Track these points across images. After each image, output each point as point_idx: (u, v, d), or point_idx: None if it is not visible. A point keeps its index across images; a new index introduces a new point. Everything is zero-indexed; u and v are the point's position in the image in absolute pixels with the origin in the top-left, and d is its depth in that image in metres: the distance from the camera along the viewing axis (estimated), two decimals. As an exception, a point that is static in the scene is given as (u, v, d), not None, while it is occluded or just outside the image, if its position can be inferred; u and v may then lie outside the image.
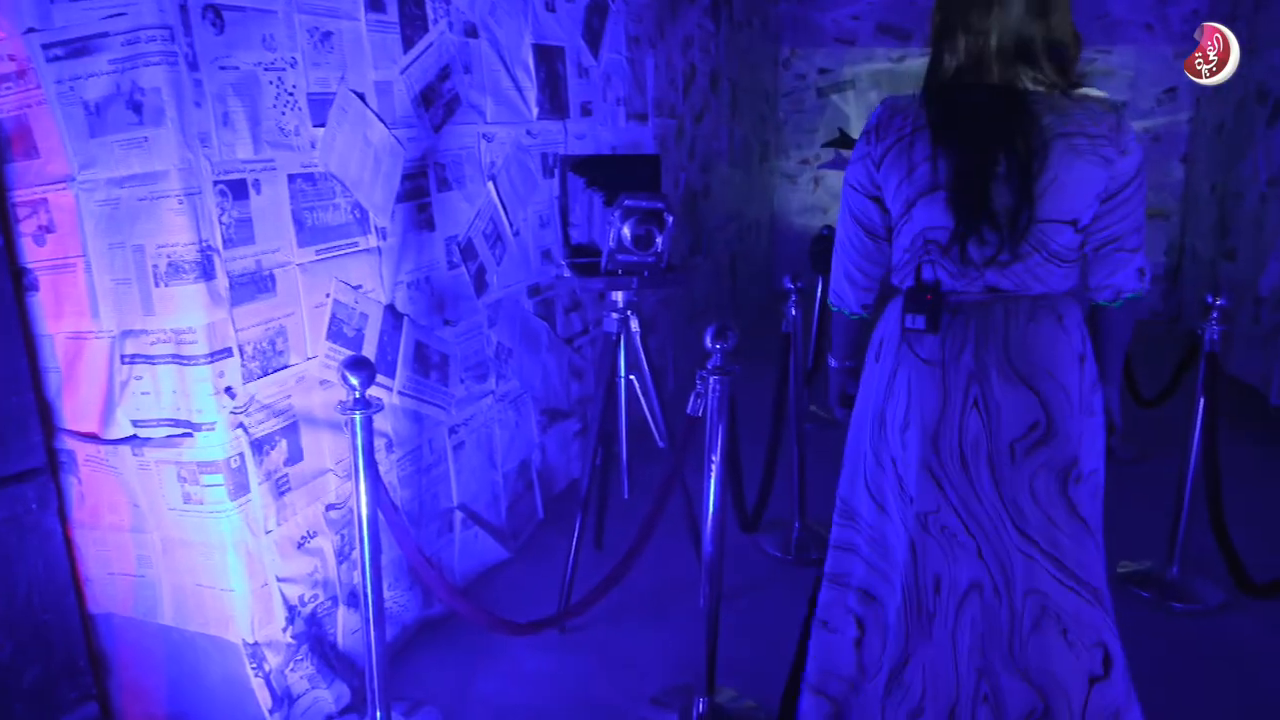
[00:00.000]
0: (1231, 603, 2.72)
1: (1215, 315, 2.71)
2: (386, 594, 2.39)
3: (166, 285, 1.82)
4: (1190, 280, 6.06)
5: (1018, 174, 1.53)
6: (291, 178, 2.06)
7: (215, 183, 1.85)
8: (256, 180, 1.96)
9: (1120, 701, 1.66)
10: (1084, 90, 1.58)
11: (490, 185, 2.86)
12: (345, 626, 2.28)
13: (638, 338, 2.52)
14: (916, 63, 6.74)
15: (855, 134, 7.05)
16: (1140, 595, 2.79)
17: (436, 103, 2.57)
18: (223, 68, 1.86)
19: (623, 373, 2.57)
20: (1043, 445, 1.61)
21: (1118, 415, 1.78)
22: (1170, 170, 6.45)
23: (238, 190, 1.91)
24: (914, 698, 1.72)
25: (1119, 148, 1.56)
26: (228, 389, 1.90)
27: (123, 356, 1.90)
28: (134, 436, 1.94)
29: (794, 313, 2.97)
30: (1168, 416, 3.41)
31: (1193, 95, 6.27)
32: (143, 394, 1.91)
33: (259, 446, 2.00)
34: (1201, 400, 2.69)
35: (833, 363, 1.97)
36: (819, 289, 4.24)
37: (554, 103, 3.22)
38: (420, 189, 2.52)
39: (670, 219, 2.32)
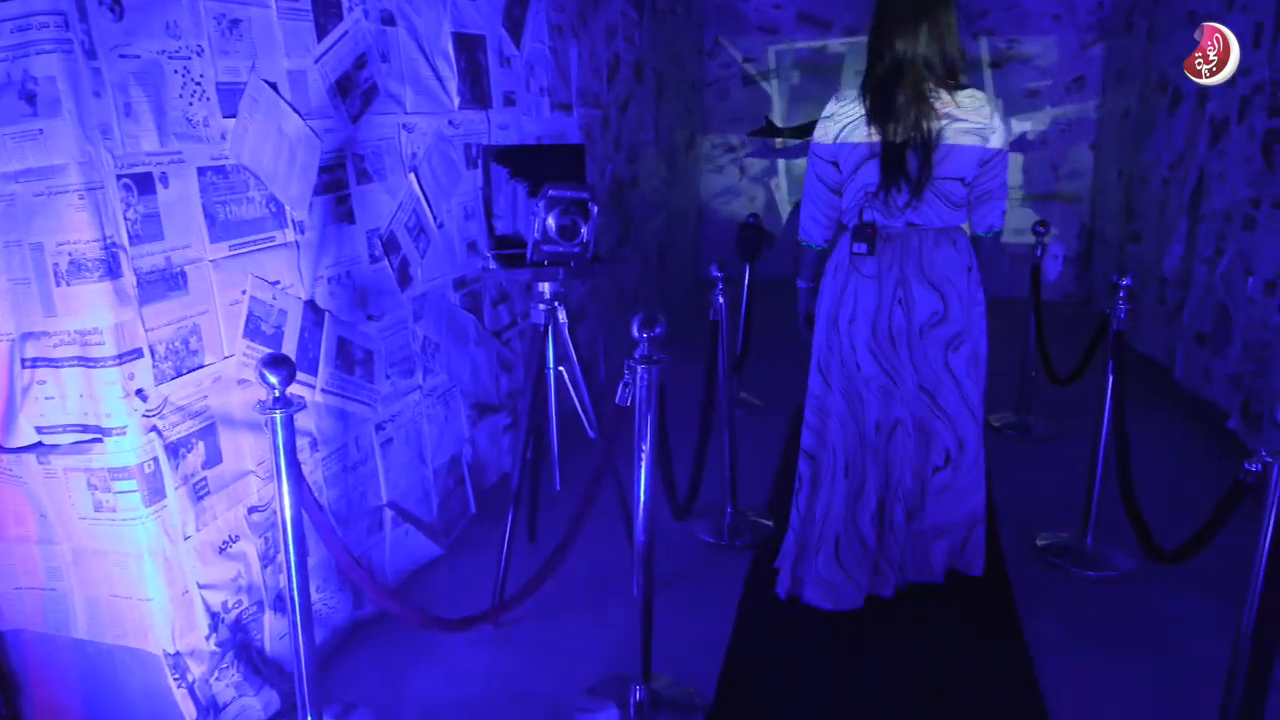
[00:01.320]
0: (1141, 569, 2.84)
1: (1122, 295, 2.81)
2: (315, 596, 2.34)
3: (69, 284, 1.74)
4: (1100, 263, 6.30)
5: (921, 149, 2.34)
6: (201, 171, 1.99)
7: (119, 176, 1.77)
8: (164, 174, 1.89)
9: (970, 484, 2.65)
10: (969, 90, 2.36)
11: (412, 177, 2.81)
12: (273, 631, 2.23)
13: (565, 329, 2.51)
14: (837, 51, 6.85)
15: (780, 122, 7.15)
16: (1057, 565, 2.90)
17: (353, 92, 2.51)
18: (123, 56, 1.78)
19: (551, 364, 2.55)
20: (939, 326, 2.48)
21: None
22: (1080, 157, 6.68)
23: (143, 184, 1.84)
24: (868, 501, 2.59)
25: (991, 130, 2.37)
26: (139, 391, 1.83)
27: (23, 360, 1.81)
28: (39, 444, 1.86)
29: (721, 300, 2.98)
30: (1081, 394, 3.55)
31: (1100, 84, 6.50)
32: (47, 399, 1.82)
33: (174, 450, 1.94)
34: (1110, 378, 2.79)
35: (800, 284, 2.68)
36: (746, 276, 4.27)
37: (476, 92, 3.17)
38: (339, 181, 2.46)
39: (595, 209, 2.31)
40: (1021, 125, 6.73)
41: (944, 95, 2.32)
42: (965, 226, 2.49)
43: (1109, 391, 2.80)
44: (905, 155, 2.33)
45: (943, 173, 2.35)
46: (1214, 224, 4.11)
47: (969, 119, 2.33)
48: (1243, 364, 3.68)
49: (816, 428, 2.62)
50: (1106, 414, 2.81)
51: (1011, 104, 6.74)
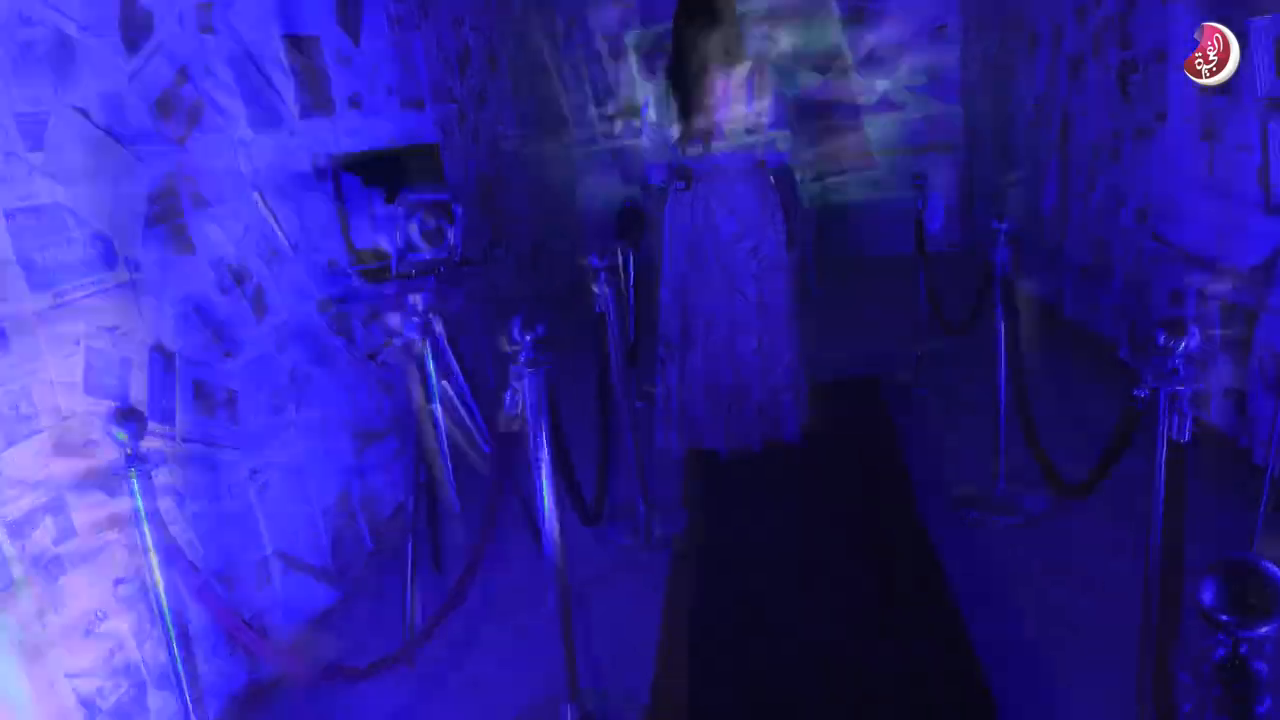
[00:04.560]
0: (1053, 506, 2.87)
1: (1001, 239, 2.79)
2: (203, 666, 2.14)
3: None
4: (981, 210, 6.44)
5: (705, 114, 3.22)
6: (9, 214, 1.77)
7: (-100, 230, 1.55)
8: (-41, 221, 1.66)
9: (775, 360, 3.43)
10: (746, 61, 3.23)
11: (256, 196, 2.60)
12: (160, 711, 2.03)
13: (444, 340, 2.36)
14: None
15: (638, 101, 7.05)
16: (971, 515, 2.91)
17: (177, 110, 2.29)
18: (-115, 93, 1.54)
19: (434, 380, 2.40)
20: (740, 240, 3.34)
21: (796, 234, 3.62)
22: (949, 106, 6.79)
23: (-67, 237, 1.61)
24: (697, 372, 3.47)
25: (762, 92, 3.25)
26: (-43, 472, 1.61)
27: None
28: None
29: (605, 290, 2.86)
30: (979, 341, 3.57)
31: (960, 30, 6.59)
32: None
33: (17, 529, 1.73)
34: (1000, 324, 2.79)
35: (653, 212, 3.62)
36: (631, 263, 4.16)
37: (316, 99, 2.96)
38: (172, 209, 2.24)
39: (459, 209, 2.18)
40: (888, 79, 6.81)
41: (726, 73, 3.18)
42: (762, 164, 3.31)
43: (1000, 337, 2.80)
44: (695, 117, 3.20)
45: (730, 129, 3.21)
46: (1083, 159, 4.21)
47: (745, 84, 3.22)
48: (1125, 294, 3.78)
49: (666, 319, 3.47)
50: (1001, 359, 2.82)
51: (878, 59, 6.81)
